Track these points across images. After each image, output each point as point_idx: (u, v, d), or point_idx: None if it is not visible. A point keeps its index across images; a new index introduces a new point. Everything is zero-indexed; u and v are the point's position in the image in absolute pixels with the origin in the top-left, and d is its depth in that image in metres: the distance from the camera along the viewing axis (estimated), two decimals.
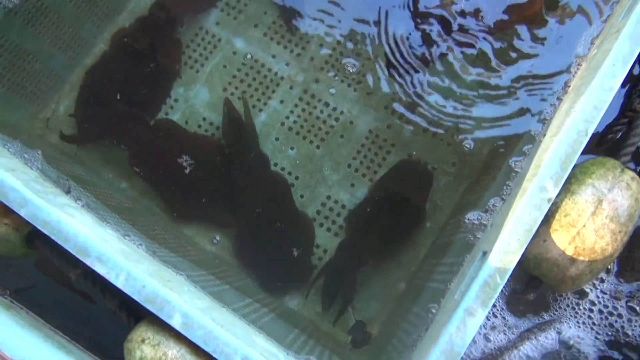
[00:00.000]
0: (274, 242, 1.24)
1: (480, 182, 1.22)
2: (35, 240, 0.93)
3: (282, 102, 1.37)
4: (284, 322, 1.13)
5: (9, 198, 0.85)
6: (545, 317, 0.91)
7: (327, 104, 1.36)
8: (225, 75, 1.39)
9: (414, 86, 1.33)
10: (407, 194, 1.25)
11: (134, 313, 0.89)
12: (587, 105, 0.82)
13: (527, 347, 0.89)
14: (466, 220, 0.94)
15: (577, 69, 0.94)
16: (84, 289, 0.91)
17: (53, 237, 0.83)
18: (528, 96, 1.15)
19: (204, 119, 1.36)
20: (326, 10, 1.39)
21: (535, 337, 0.90)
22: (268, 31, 1.41)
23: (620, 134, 0.93)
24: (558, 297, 0.92)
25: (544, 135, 0.89)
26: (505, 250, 0.78)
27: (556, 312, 0.91)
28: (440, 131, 1.31)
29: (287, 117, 1.36)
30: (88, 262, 0.82)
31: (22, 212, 0.85)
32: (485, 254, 0.81)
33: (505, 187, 0.91)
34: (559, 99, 0.93)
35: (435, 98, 1.32)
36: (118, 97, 1.33)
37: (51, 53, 1.29)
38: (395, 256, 1.25)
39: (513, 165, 0.92)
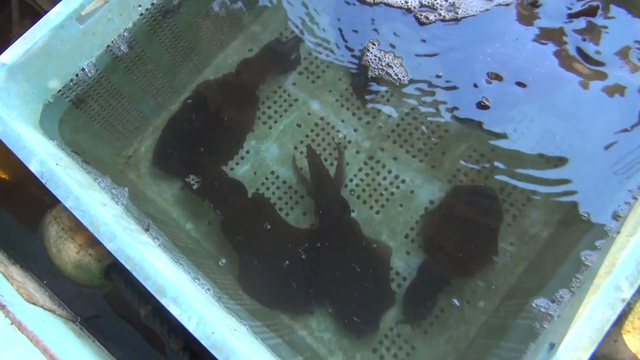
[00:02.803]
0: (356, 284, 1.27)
1: (539, 268, 1.21)
2: (113, 273, 0.99)
3: (347, 164, 1.42)
4: None
5: (100, 231, 0.91)
6: None
7: (389, 171, 1.41)
8: (298, 133, 1.46)
9: (479, 162, 1.36)
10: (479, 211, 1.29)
11: (196, 356, 0.91)
12: None
13: None
14: (533, 306, 0.94)
15: None
16: (151, 325, 0.94)
17: (134, 274, 0.88)
18: (597, 187, 1.16)
19: (272, 172, 1.43)
20: (394, 82, 1.46)
21: None
22: (340, 98, 1.48)
23: None
24: None
25: (618, 232, 0.89)
26: (575, 346, 0.78)
27: None
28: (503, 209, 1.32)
29: (351, 180, 1.41)
30: (164, 301, 0.86)
31: (110, 246, 0.90)
32: (552, 346, 0.81)
33: (574, 280, 0.91)
34: (635, 198, 0.94)
35: (500, 177, 1.34)
36: (194, 145, 1.42)
37: (143, 97, 1.40)
38: (477, 274, 1.26)
39: (584, 258, 0.92)
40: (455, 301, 1.25)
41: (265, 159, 1.45)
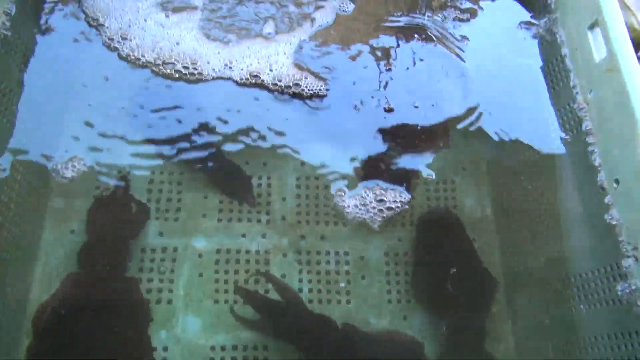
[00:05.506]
0: None
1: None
2: None
3: (284, 276, 1.15)
4: None
5: None
6: None
7: (327, 253, 1.19)
8: (207, 285, 1.11)
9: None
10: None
11: None
12: None
13: None
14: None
15: None
16: None
17: None
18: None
19: (212, 348, 1.06)
20: (271, 163, 1.25)
21: None
22: (227, 213, 1.20)
23: None
24: None
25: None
26: None
27: None
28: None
29: (301, 290, 1.14)
30: None
31: None
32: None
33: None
34: None
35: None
36: None
37: None
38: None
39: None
40: None
41: (190, 341, 1.06)
